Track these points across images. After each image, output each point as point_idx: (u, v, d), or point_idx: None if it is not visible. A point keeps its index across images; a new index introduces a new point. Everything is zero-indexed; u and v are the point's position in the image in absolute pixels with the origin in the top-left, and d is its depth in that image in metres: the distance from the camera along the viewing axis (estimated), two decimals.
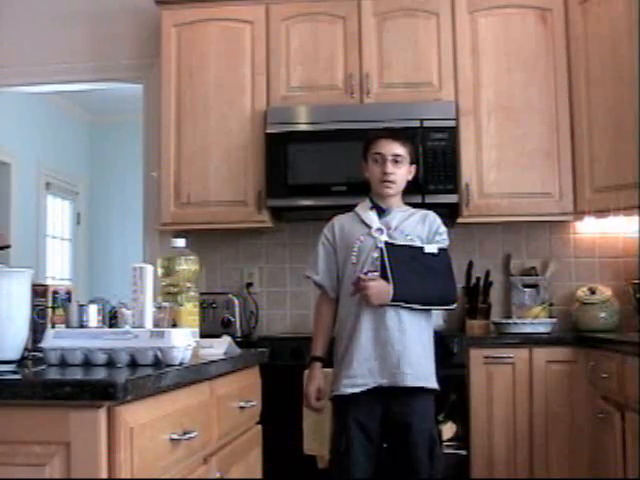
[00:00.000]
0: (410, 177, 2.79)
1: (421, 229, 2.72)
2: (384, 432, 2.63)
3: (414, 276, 2.63)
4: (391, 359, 2.58)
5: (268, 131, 3.62)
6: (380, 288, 2.57)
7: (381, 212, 2.73)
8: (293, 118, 3.63)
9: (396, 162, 2.71)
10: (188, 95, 3.75)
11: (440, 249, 2.69)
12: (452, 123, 3.54)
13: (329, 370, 2.75)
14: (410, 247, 2.66)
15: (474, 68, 3.64)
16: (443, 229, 2.76)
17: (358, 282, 2.60)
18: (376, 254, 2.64)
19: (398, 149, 2.72)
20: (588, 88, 3.54)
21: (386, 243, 2.64)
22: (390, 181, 2.70)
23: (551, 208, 3.58)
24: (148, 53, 4.08)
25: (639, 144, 3.30)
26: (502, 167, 3.59)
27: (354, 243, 2.70)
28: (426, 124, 3.52)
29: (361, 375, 2.59)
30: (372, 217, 2.72)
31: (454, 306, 2.78)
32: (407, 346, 2.60)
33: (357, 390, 2.59)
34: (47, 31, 4.22)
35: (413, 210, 2.80)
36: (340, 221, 2.81)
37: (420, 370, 2.61)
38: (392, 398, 2.60)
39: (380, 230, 2.68)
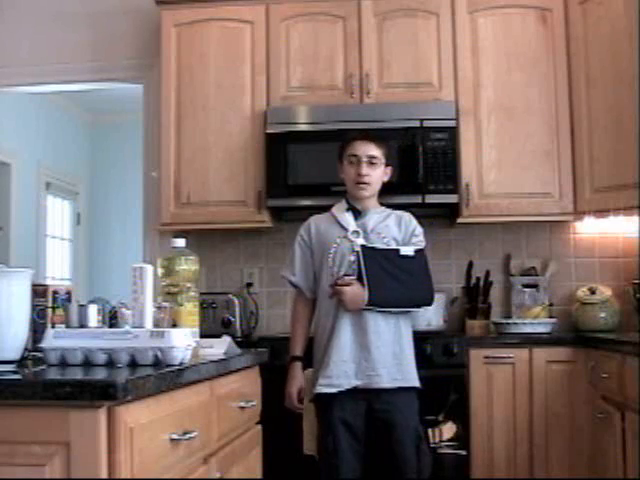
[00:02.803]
0: (386, 178, 2.80)
1: (397, 231, 2.73)
2: (369, 430, 2.64)
3: (390, 279, 2.65)
4: (366, 362, 2.62)
5: (268, 131, 3.62)
6: (355, 293, 2.59)
7: (357, 214, 2.75)
8: (293, 118, 3.63)
9: (371, 164, 2.72)
10: (188, 95, 3.75)
11: (416, 251, 2.71)
12: (452, 123, 3.54)
13: (310, 370, 2.79)
14: (386, 250, 2.68)
15: (474, 68, 3.64)
16: (419, 230, 2.77)
17: (334, 285, 2.62)
18: (352, 258, 2.65)
19: (373, 150, 2.72)
20: (588, 88, 3.54)
21: (362, 247, 2.65)
22: (365, 182, 2.71)
23: (551, 208, 3.58)
24: (148, 53, 4.08)
25: (639, 144, 3.30)
26: (502, 167, 3.59)
27: (330, 246, 2.71)
28: (426, 124, 3.52)
29: (337, 376, 2.62)
30: (348, 219, 2.73)
31: (431, 307, 2.82)
32: (382, 348, 2.63)
33: (333, 390, 2.62)
34: (47, 31, 4.22)
35: (389, 211, 2.81)
36: (316, 222, 2.82)
37: (397, 371, 2.63)
38: (373, 397, 2.62)
39: (356, 233, 2.69)
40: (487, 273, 3.75)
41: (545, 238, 3.89)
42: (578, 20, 3.59)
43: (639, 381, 2.56)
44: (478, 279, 3.74)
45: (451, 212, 3.68)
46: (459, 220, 3.62)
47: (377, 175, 2.74)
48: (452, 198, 3.53)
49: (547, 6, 3.64)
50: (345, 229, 2.71)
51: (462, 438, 3.17)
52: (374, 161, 2.72)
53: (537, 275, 3.79)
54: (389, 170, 2.80)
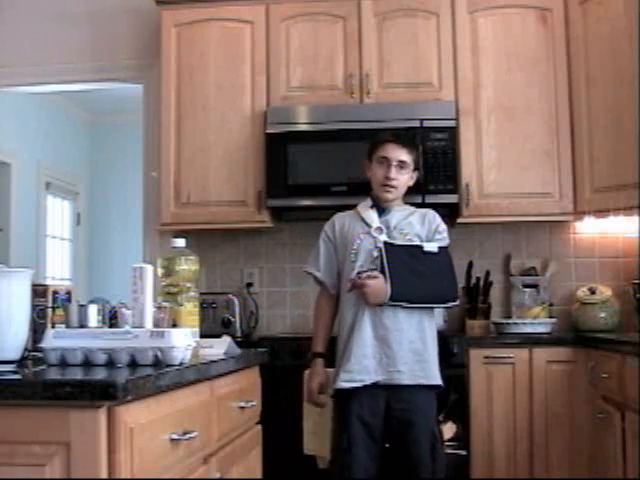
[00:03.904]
0: (411, 183, 2.80)
1: (420, 228, 2.74)
2: (386, 430, 2.63)
3: (413, 276, 2.64)
4: (387, 357, 2.61)
5: (268, 131, 3.62)
6: (378, 287, 2.59)
7: (381, 211, 2.75)
8: (293, 118, 3.63)
9: (400, 168, 2.72)
10: (188, 95, 3.75)
11: (440, 247, 2.71)
12: (452, 123, 3.54)
13: (332, 370, 2.77)
14: (409, 246, 2.68)
15: (474, 68, 3.64)
16: (443, 227, 2.77)
17: (357, 279, 2.61)
18: (375, 253, 2.66)
19: (404, 156, 2.73)
20: (588, 88, 3.54)
21: (385, 243, 2.65)
22: (392, 186, 2.72)
23: (551, 208, 3.58)
24: (148, 53, 4.08)
25: (639, 144, 3.30)
26: (502, 167, 3.59)
27: (354, 241, 2.72)
28: (426, 124, 3.52)
29: (358, 371, 2.62)
30: (372, 216, 2.74)
31: (456, 303, 2.79)
32: (404, 345, 2.62)
33: (354, 385, 2.61)
34: (47, 31, 4.22)
35: (413, 209, 2.81)
36: (341, 219, 2.83)
37: (419, 368, 2.63)
38: (393, 394, 2.62)
39: (379, 229, 2.70)
40: (487, 273, 3.75)
41: (545, 238, 3.89)
42: (578, 20, 3.59)
43: (639, 381, 2.56)
44: (478, 279, 3.73)
45: (451, 212, 3.68)
46: (459, 220, 3.62)
47: (404, 179, 2.75)
48: (452, 198, 3.53)
49: (547, 6, 3.64)
50: (369, 225, 2.72)
51: (462, 438, 3.17)
52: (403, 166, 2.72)
53: (537, 275, 3.79)
54: (415, 175, 2.80)
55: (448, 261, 2.74)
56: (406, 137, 2.83)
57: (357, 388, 2.62)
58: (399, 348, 2.61)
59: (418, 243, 2.69)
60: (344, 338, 2.70)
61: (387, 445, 2.66)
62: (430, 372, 2.65)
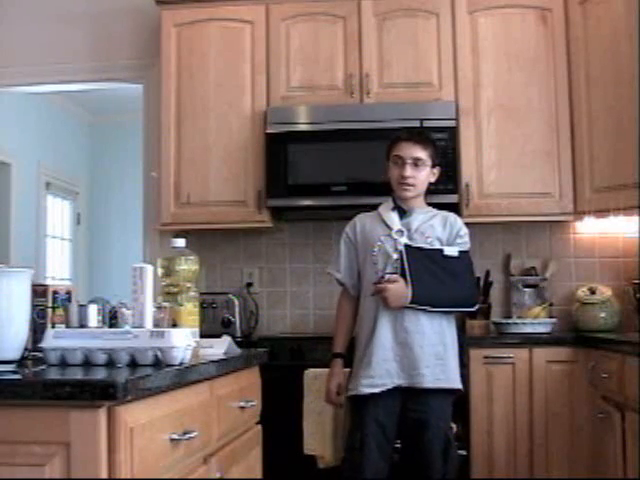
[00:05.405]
0: (433, 179, 2.79)
1: (442, 231, 2.73)
2: (399, 429, 2.64)
3: (433, 279, 2.64)
4: (409, 360, 2.61)
5: (268, 131, 3.62)
6: (398, 291, 2.58)
7: (402, 213, 2.74)
8: (293, 118, 3.63)
9: (416, 165, 2.70)
10: (188, 95, 3.75)
11: (461, 252, 2.70)
12: (452, 123, 3.54)
13: (348, 370, 2.77)
14: (430, 250, 2.67)
15: (474, 68, 3.64)
16: (464, 231, 2.77)
17: (379, 283, 2.61)
18: (396, 256, 2.65)
19: (418, 152, 2.71)
20: (588, 88, 3.54)
21: (406, 245, 2.65)
22: (408, 184, 2.70)
23: (551, 208, 3.58)
24: (148, 53, 4.08)
25: (639, 144, 3.30)
26: (502, 167, 3.59)
27: (374, 243, 2.71)
28: (426, 124, 3.51)
29: (379, 376, 2.61)
30: (393, 218, 2.73)
31: (474, 309, 2.80)
32: (426, 347, 2.61)
33: (376, 390, 2.61)
34: (47, 31, 4.22)
35: (435, 212, 2.80)
36: (362, 220, 2.82)
37: (440, 371, 2.62)
38: (410, 396, 2.62)
39: (400, 232, 2.69)
40: (487, 273, 3.75)
41: (545, 238, 3.89)
42: (578, 20, 3.59)
43: (639, 381, 2.56)
44: (478, 279, 3.73)
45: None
46: None
47: (422, 176, 2.73)
48: (452, 198, 3.53)
49: (547, 6, 3.64)
50: (389, 228, 2.71)
51: (462, 438, 3.17)
52: (419, 163, 2.71)
53: (537, 275, 3.79)
54: (436, 171, 2.79)
55: (468, 266, 2.74)
56: (420, 134, 2.82)
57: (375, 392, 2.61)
58: (421, 351, 2.60)
59: (439, 247, 2.69)
60: (363, 342, 2.69)
61: (399, 444, 2.67)
62: (451, 375, 2.65)
